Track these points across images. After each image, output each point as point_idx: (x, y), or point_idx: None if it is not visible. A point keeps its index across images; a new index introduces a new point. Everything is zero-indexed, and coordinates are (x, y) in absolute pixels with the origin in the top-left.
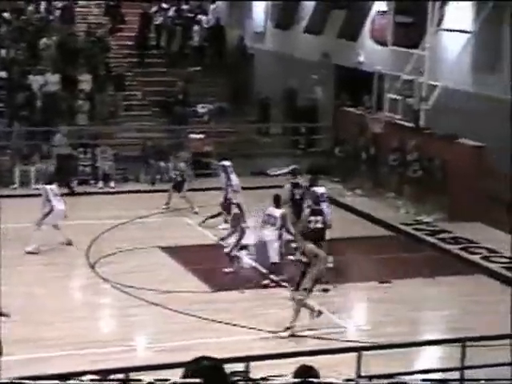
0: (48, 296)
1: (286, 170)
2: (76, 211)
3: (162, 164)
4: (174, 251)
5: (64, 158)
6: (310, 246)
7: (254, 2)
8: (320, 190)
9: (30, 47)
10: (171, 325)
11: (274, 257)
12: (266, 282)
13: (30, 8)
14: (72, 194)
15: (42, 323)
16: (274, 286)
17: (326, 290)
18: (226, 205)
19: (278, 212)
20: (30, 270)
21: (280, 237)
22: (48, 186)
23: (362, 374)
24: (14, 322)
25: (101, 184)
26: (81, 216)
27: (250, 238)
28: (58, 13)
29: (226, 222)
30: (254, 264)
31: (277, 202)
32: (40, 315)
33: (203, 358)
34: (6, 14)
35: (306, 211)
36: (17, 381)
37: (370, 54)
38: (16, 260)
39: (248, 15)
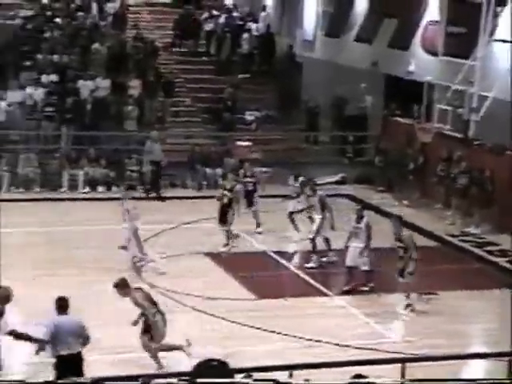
0: (89, 300)
1: (334, 179)
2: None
3: (209, 170)
4: (219, 257)
5: (157, 165)
6: None
7: (304, 11)
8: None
9: (81, 52)
10: (214, 332)
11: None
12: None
13: (81, 13)
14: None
15: None
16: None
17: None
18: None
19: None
20: (74, 273)
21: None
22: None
23: None
24: None
25: None
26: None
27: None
28: (110, 18)
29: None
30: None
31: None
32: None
33: (210, 360)
34: (58, 20)
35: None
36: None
37: (421, 63)
38: (60, 263)
39: (298, 23)
